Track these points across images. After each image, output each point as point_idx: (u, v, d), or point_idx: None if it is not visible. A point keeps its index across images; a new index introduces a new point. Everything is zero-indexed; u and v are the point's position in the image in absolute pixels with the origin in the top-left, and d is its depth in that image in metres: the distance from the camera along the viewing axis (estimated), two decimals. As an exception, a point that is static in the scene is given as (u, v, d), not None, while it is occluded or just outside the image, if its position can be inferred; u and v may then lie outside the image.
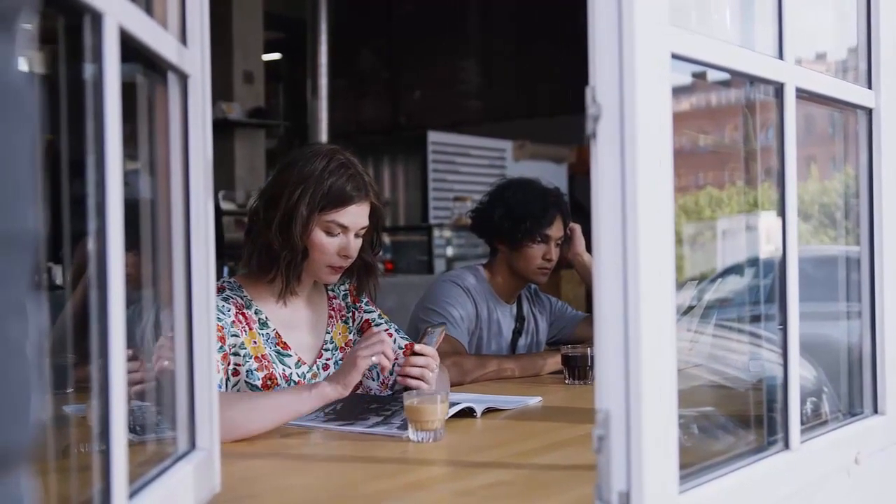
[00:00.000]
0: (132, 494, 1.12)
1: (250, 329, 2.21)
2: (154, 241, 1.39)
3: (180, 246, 1.39)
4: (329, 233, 2.22)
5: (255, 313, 2.24)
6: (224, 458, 1.47)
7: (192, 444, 1.39)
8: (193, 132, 1.39)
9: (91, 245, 1.04)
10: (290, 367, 2.24)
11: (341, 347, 2.38)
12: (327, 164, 2.22)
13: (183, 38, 1.38)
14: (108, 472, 1.03)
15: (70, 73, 1.07)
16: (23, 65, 0.60)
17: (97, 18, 1.02)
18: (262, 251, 2.24)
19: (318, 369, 2.31)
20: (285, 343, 2.26)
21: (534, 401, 2.37)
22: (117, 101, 1.05)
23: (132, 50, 1.14)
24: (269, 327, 2.25)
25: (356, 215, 2.24)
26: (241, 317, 2.20)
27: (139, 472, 1.22)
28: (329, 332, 2.37)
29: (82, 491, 1.17)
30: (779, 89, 1.55)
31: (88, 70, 1.05)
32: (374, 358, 2.00)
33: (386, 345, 2.03)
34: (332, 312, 2.41)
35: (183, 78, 1.37)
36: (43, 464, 1.04)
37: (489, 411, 2.21)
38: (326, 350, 2.35)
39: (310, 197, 2.18)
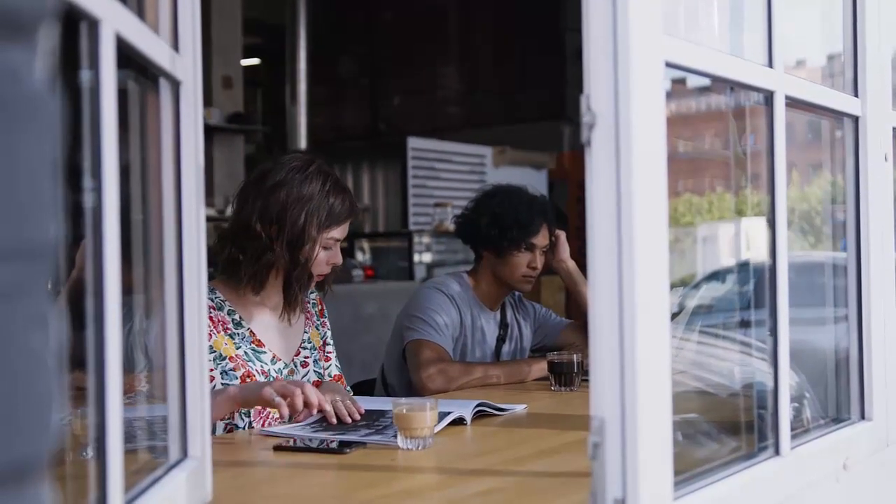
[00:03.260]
0: (127, 504, 1.11)
1: (219, 332, 2.27)
2: (145, 249, 1.39)
3: (172, 254, 1.38)
4: (325, 248, 2.34)
5: (228, 314, 2.31)
6: (215, 467, 1.46)
7: (184, 453, 1.38)
8: (185, 139, 1.39)
9: (87, 252, 1.03)
10: (266, 364, 2.32)
11: (319, 347, 2.49)
12: (324, 184, 2.32)
13: (175, 45, 1.37)
14: (104, 482, 1.02)
15: (65, 79, 1.06)
16: (44, 73, 0.59)
17: (94, 25, 1.01)
18: (265, 269, 2.30)
19: (295, 366, 2.41)
20: (260, 341, 2.34)
21: (520, 408, 2.37)
22: (113, 107, 1.04)
23: (125, 56, 1.13)
24: (243, 327, 2.32)
25: (347, 228, 2.39)
26: (209, 320, 2.24)
27: (131, 480, 1.21)
28: (307, 332, 2.47)
29: (76, 500, 1.17)
30: (768, 97, 1.56)
31: (84, 76, 1.04)
32: (277, 399, 1.99)
33: (297, 398, 2.01)
34: (308, 315, 2.50)
35: (175, 84, 1.37)
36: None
37: (479, 416, 2.21)
38: (305, 348, 2.45)
39: (316, 219, 2.29)
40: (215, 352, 2.23)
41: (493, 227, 3.04)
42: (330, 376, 2.45)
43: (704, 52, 1.40)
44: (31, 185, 0.56)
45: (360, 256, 7.69)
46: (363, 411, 2.16)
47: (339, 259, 2.38)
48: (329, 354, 2.55)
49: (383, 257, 7.84)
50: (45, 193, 0.57)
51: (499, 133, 9.17)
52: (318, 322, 2.53)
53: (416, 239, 7.67)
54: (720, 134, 1.95)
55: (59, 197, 0.60)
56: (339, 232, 2.35)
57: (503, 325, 3.19)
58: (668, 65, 1.27)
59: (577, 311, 3.29)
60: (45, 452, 0.59)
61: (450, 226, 7.25)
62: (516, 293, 3.24)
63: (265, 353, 2.33)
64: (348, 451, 1.86)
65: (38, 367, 0.57)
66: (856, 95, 1.87)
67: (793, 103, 1.62)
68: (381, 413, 2.21)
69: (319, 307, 2.56)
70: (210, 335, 2.22)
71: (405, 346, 2.92)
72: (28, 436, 0.57)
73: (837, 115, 1.87)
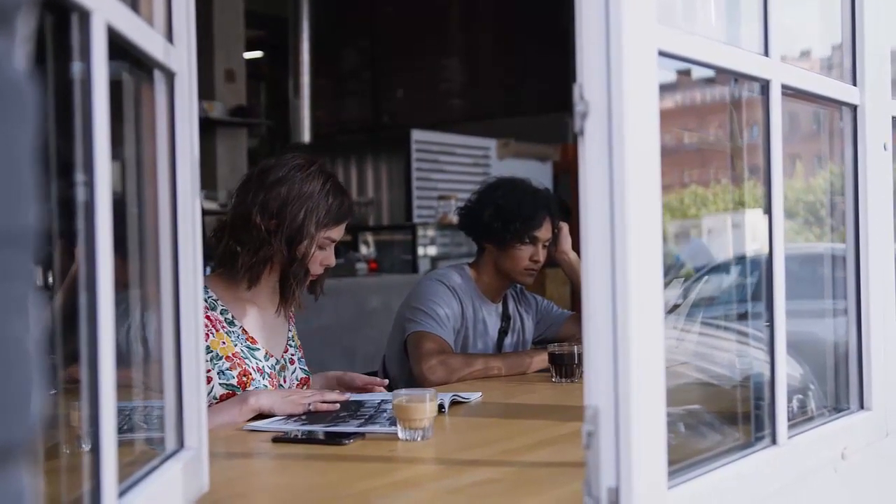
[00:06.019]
0: (121, 493, 1.11)
1: (217, 330, 2.30)
2: (140, 242, 1.39)
3: (167, 246, 1.38)
4: (320, 247, 2.36)
5: (221, 313, 2.34)
6: (212, 458, 1.47)
7: (181, 444, 1.39)
8: (180, 131, 1.39)
9: (79, 246, 1.03)
10: (260, 361, 2.35)
11: (299, 346, 2.54)
12: (324, 184, 2.35)
13: (169, 36, 1.37)
14: (98, 472, 1.02)
15: (56, 70, 1.07)
16: (22, 62, 0.60)
17: (85, 16, 1.01)
18: (262, 262, 2.32)
19: (285, 362, 2.45)
20: (252, 338, 2.37)
21: (474, 396, 2.41)
22: (105, 99, 1.04)
23: (118, 48, 1.13)
24: (236, 325, 2.35)
25: (343, 230, 2.42)
26: (206, 320, 2.26)
27: (127, 471, 1.21)
28: (290, 331, 2.52)
29: (70, 491, 1.17)
30: (764, 86, 1.55)
31: (75, 68, 1.04)
32: (311, 407, 2.16)
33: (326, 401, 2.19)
34: (291, 314, 2.54)
35: (170, 76, 1.37)
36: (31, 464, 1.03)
37: (482, 406, 2.28)
38: (291, 346, 2.49)
39: (315, 216, 2.31)
40: (212, 352, 2.25)
41: (496, 219, 3.04)
42: (297, 379, 2.47)
43: (699, 42, 1.40)
44: (10, 172, 0.56)
45: (363, 250, 7.69)
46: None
47: (332, 261, 2.42)
48: (293, 357, 2.59)
49: (387, 250, 7.84)
50: (24, 181, 0.58)
51: (503, 125, 9.16)
52: (294, 323, 2.59)
53: (419, 232, 7.67)
54: (726, 125, 1.95)
55: (38, 185, 0.61)
56: (335, 232, 2.37)
57: (506, 317, 3.19)
58: (662, 54, 1.26)
59: (580, 303, 3.29)
60: (26, 438, 0.59)
61: (453, 218, 7.25)
62: (518, 285, 3.24)
63: (258, 349, 2.37)
64: (347, 442, 1.87)
65: (18, 352, 0.57)
66: (854, 84, 1.86)
67: (789, 93, 1.62)
68: (360, 404, 2.22)
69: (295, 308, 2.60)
70: (207, 335, 2.24)
71: (406, 337, 2.93)
72: (7, 421, 0.57)
73: (836, 105, 1.87)
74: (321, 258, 2.37)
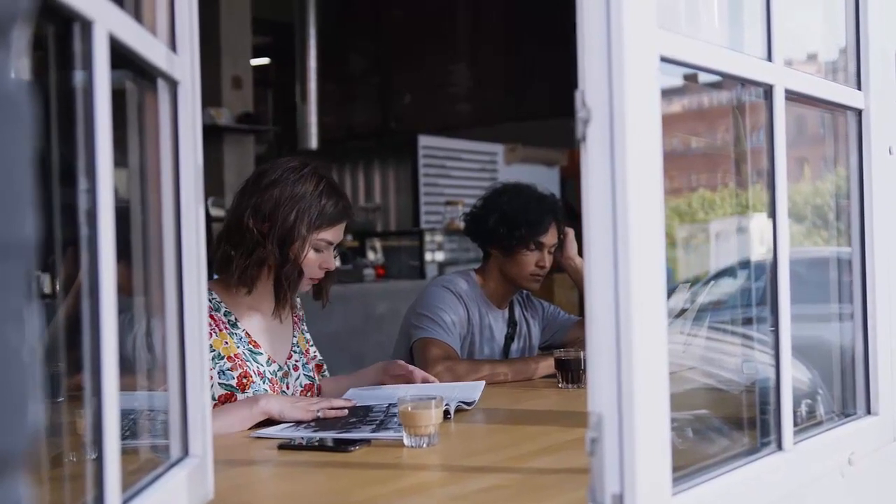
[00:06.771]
0: (125, 501, 1.11)
1: (220, 331, 2.31)
2: (144, 250, 1.39)
3: (171, 253, 1.38)
4: (317, 249, 2.36)
5: (225, 315, 2.35)
6: (217, 466, 1.47)
7: (185, 451, 1.39)
8: (184, 139, 1.39)
9: (82, 253, 1.04)
10: (262, 365, 2.35)
11: (304, 352, 2.52)
12: (318, 185, 2.34)
13: (172, 45, 1.37)
14: (102, 480, 1.03)
15: (59, 79, 1.07)
16: (19, 73, 0.60)
17: (87, 26, 1.02)
18: (256, 265, 2.32)
19: (289, 368, 2.44)
20: (255, 342, 2.37)
21: (479, 387, 2.43)
22: (107, 108, 1.05)
23: (121, 56, 1.14)
24: (239, 328, 2.35)
25: (341, 232, 2.40)
26: (209, 320, 2.27)
27: (132, 479, 1.21)
28: (295, 337, 2.51)
29: (75, 499, 1.17)
30: (768, 91, 1.55)
31: (78, 77, 1.05)
32: (319, 413, 2.16)
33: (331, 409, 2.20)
34: (296, 320, 2.54)
35: (173, 84, 1.37)
36: (36, 472, 1.03)
37: (489, 413, 2.27)
38: (295, 352, 2.49)
39: (307, 217, 2.31)
40: (214, 351, 2.26)
41: (501, 225, 3.04)
42: (301, 386, 2.48)
43: (701, 47, 1.40)
44: (7, 183, 0.57)
45: (371, 255, 7.69)
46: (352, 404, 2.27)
47: (331, 264, 2.39)
48: (315, 352, 2.60)
49: (394, 256, 7.84)
50: (21, 191, 0.58)
51: (510, 130, 9.15)
52: (303, 327, 2.58)
53: (427, 237, 7.67)
54: (733, 129, 1.95)
55: (39, 195, 0.61)
56: (330, 234, 2.36)
57: (512, 323, 3.19)
58: (664, 59, 1.26)
59: (587, 308, 3.27)
60: (22, 447, 0.59)
61: (461, 224, 7.26)
62: (525, 291, 3.23)
63: (261, 353, 2.37)
64: (353, 449, 1.87)
65: (13, 363, 0.58)
66: (859, 88, 1.86)
67: (794, 97, 1.61)
68: (368, 409, 2.23)
69: (301, 312, 2.60)
70: (210, 334, 2.24)
71: (412, 343, 2.93)
72: (4, 431, 0.57)
73: (840, 109, 1.87)
74: (319, 261, 2.36)
